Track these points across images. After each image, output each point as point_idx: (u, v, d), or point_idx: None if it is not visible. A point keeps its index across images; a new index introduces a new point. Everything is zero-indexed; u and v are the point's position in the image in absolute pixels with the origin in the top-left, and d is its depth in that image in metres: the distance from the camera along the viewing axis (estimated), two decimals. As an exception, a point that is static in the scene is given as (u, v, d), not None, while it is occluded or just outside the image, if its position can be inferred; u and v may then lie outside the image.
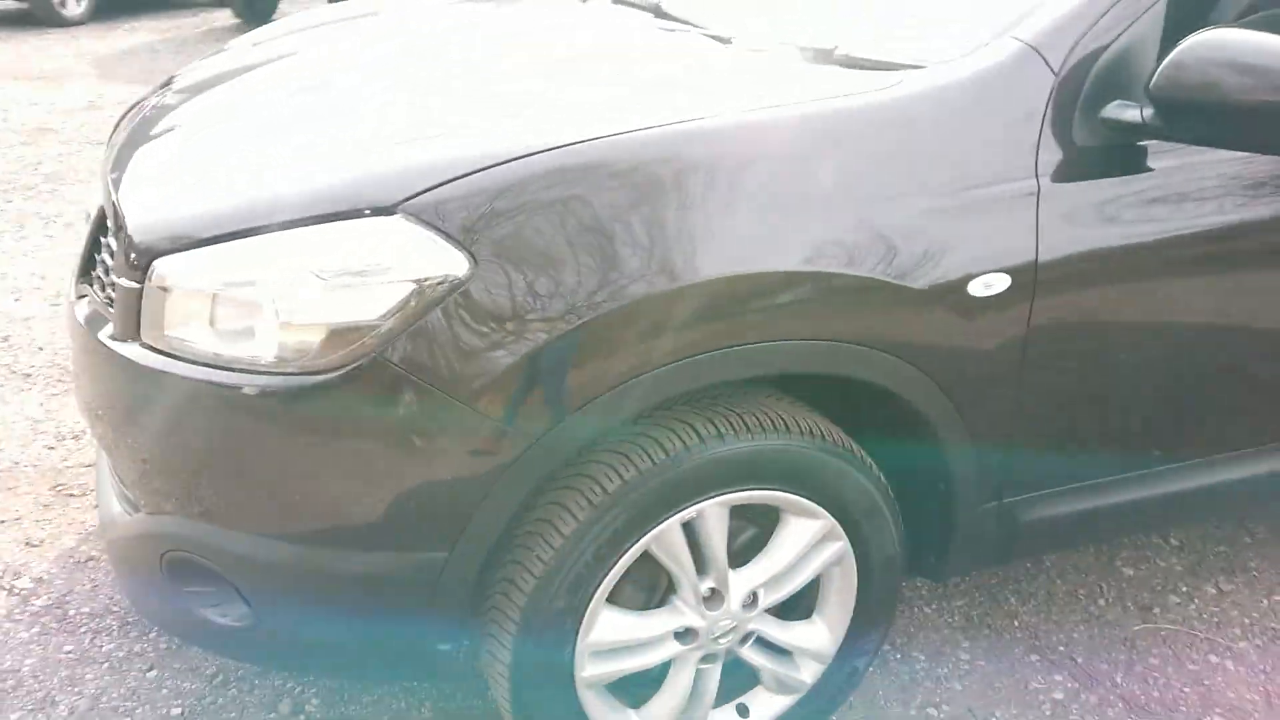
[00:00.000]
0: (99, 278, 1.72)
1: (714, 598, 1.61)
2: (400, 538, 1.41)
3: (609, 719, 1.65)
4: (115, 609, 2.10)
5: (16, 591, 2.13)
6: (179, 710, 1.86)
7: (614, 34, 2.11)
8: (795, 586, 1.67)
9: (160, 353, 1.46)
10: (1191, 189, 1.66)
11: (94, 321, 1.63)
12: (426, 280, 1.31)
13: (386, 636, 1.51)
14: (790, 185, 1.44)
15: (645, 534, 1.49)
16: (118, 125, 2.11)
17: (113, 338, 1.53)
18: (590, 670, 1.57)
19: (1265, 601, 2.35)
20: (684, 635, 1.63)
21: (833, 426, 1.59)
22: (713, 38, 1.94)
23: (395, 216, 1.34)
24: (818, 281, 1.44)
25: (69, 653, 1.98)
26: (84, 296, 1.74)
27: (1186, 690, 2.08)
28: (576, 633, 1.52)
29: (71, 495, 2.46)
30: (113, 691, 1.89)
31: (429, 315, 1.31)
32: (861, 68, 1.65)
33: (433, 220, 1.33)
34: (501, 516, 1.41)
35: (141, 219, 1.54)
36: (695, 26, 2.05)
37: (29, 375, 2.99)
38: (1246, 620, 2.27)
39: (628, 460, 1.44)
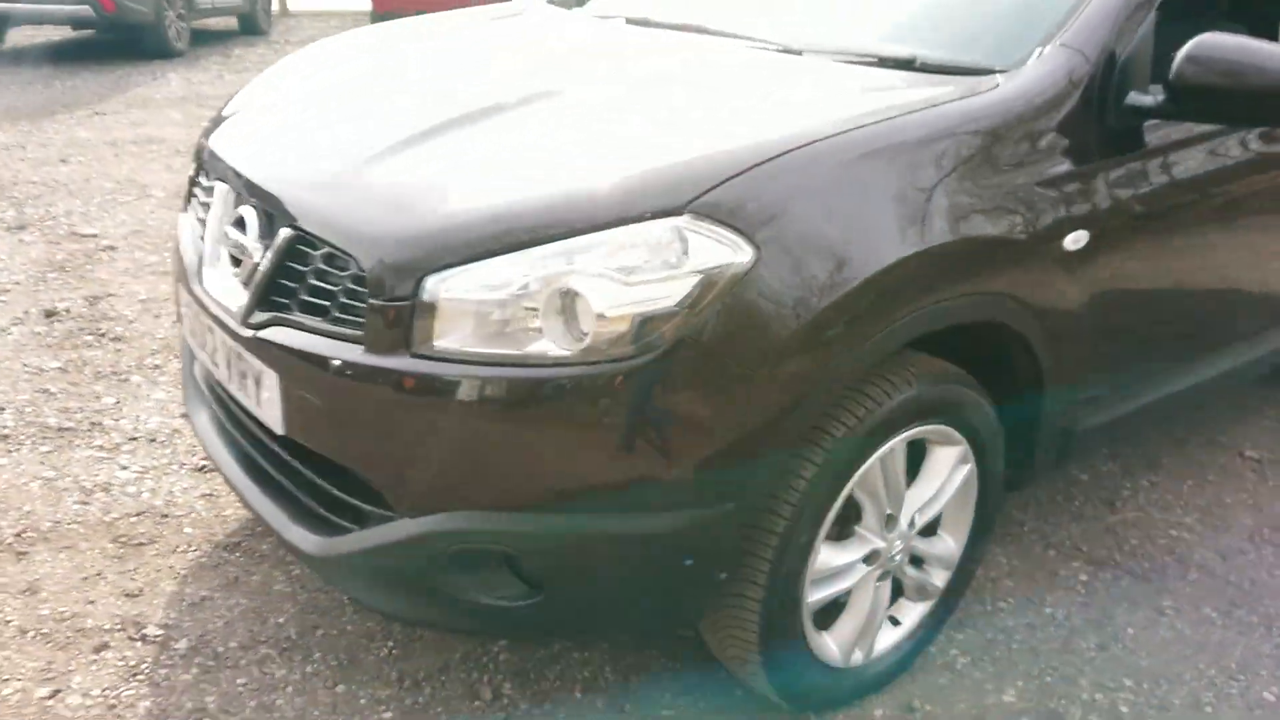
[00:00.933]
0: (289, 304, 1.77)
1: (889, 522, 1.93)
2: (699, 495, 1.62)
3: (814, 641, 1.93)
4: (263, 639, 2.12)
5: (151, 640, 2.10)
6: (390, 715, 1.94)
7: (715, 55, 2.29)
8: (941, 505, 2.02)
9: (437, 360, 1.59)
10: (1181, 156, 2.16)
11: (315, 345, 1.70)
12: (717, 269, 1.54)
13: (669, 589, 1.72)
14: (960, 165, 1.78)
15: (857, 471, 1.79)
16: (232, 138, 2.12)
17: (368, 354, 1.63)
18: (811, 597, 1.85)
19: (1184, 486, 2.95)
20: (869, 558, 1.94)
21: (964, 371, 1.95)
22: (783, 50, 2.24)
23: (685, 216, 1.56)
24: (987, 244, 1.80)
25: (245, 684, 2.00)
26: (270, 326, 1.79)
27: (1167, 559, 2.62)
28: (807, 564, 1.79)
29: (139, 544, 2.40)
30: (314, 711, 1.95)
31: (723, 299, 1.54)
32: (945, 72, 2.02)
33: (719, 215, 1.56)
34: (776, 465, 1.67)
35: (400, 239, 1.64)
36: (748, 39, 2.34)
37: (6, 436, 2.82)
38: (1179, 503, 2.86)
39: (850, 411, 1.73)
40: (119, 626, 2.13)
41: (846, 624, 1.99)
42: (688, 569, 1.69)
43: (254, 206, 1.91)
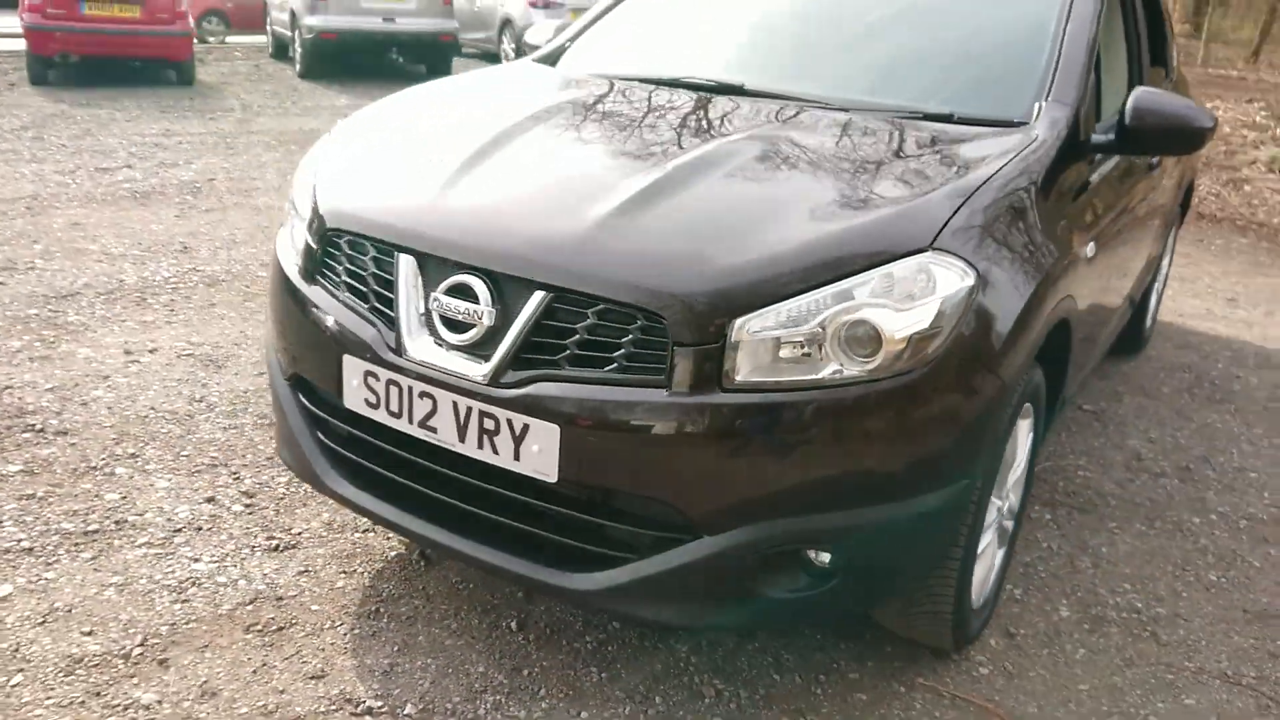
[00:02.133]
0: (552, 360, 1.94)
1: (1003, 483, 2.43)
2: (951, 475, 2.02)
3: (973, 589, 2.38)
4: (480, 688, 2.21)
5: (379, 712, 2.12)
6: (647, 725, 2.14)
7: (797, 114, 2.63)
8: (1024, 466, 2.55)
9: (745, 391, 1.87)
10: (1109, 177, 2.87)
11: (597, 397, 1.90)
12: (955, 293, 1.95)
13: (928, 557, 2.09)
14: (1042, 191, 2.33)
15: (1008, 440, 2.27)
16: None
17: (675, 395, 1.86)
18: (981, 547, 2.30)
19: (1060, 437, 3.73)
20: (1000, 510, 2.43)
21: None
22: (837, 108, 2.67)
23: (930, 252, 1.95)
24: (1072, 252, 2.37)
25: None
26: (533, 383, 1.94)
27: (1089, 493, 3.35)
28: (983, 523, 2.24)
29: (279, 629, 2.34)
30: (580, 737, 2.09)
31: (961, 317, 1.95)
32: (979, 124, 2.56)
33: (951, 249, 1.97)
34: (1001, 441, 2.10)
35: (706, 292, 1.88)
36: (796, 99, 2.73)
37: (31, 550, 2.55)
38: (1068, 450, 3.63)
39: (1017, 391, 2.20)
40: (335, 707, 2.12)
41: (979, 571, 2.45)
42: (942, 537, 2.08)
43: (477, 274, 2.02)
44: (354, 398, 2.20)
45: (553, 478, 1.97)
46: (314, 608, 2.44)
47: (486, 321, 1.99)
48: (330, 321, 2.23)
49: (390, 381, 2.12)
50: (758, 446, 1.90)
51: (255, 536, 2.70)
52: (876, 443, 1.94)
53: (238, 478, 2.98)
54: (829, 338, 1.89)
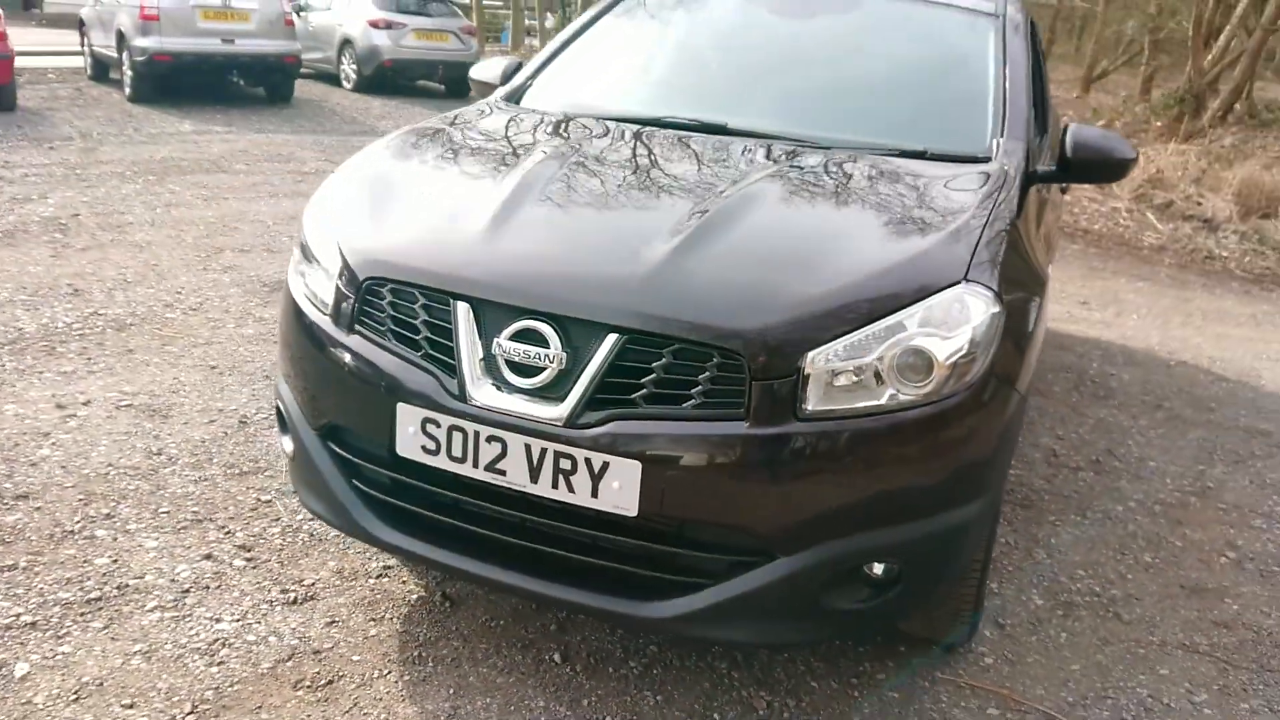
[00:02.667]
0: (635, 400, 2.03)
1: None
2: (986, 486, 2.22)
3: (975, 586, 2.60)
4: (560, 712, 2.26)
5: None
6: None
7: (790, 153, 2.83)
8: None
9: (817, 420, 2.02)
10: (1048, 198, 3.19)
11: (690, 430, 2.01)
12: (985, 319, 2.16)
13: (964, 563, 2.29)
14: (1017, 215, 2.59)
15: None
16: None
17: (754, 427, 2.00)
18: (986, 552, 2.53)
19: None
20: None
21: None
22: (827, 147, 2.86)
23: (963, 284, 2.15)
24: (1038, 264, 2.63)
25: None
26: (608, 423, 2.03)
27: (1022, 489, 3.67)
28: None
29: (328, 683, 2.32)
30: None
31: (991, 341, 2.16)
32: (951, 160, 2.80)
33: (980, 280, 2.18)
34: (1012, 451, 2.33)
35: (781, 330, 2.01)
36: (780, 138, 2.90)
37: (35, 624, 2.41)
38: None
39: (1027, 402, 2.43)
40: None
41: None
42: (978, 541, 2.28)
43: (544, 319, 2.09)
44: (409, 445, 2.21)
45: (633, 512, 2.05)
46: (355, 658, 2.42)
47: (558, 365, 2.06)
48: (378, 370, 2.24)
49: (453, 427, 2.15)
50: (830, 470, 2.05)
51: (268, 591, 2.64)
52: (932, 460, 2.12)
53: (228, 532, 2.90)
54: (886, 366, 2.06)
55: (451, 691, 2.34)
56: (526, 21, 19.14)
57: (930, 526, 2.15)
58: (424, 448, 2.19)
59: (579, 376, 2.06)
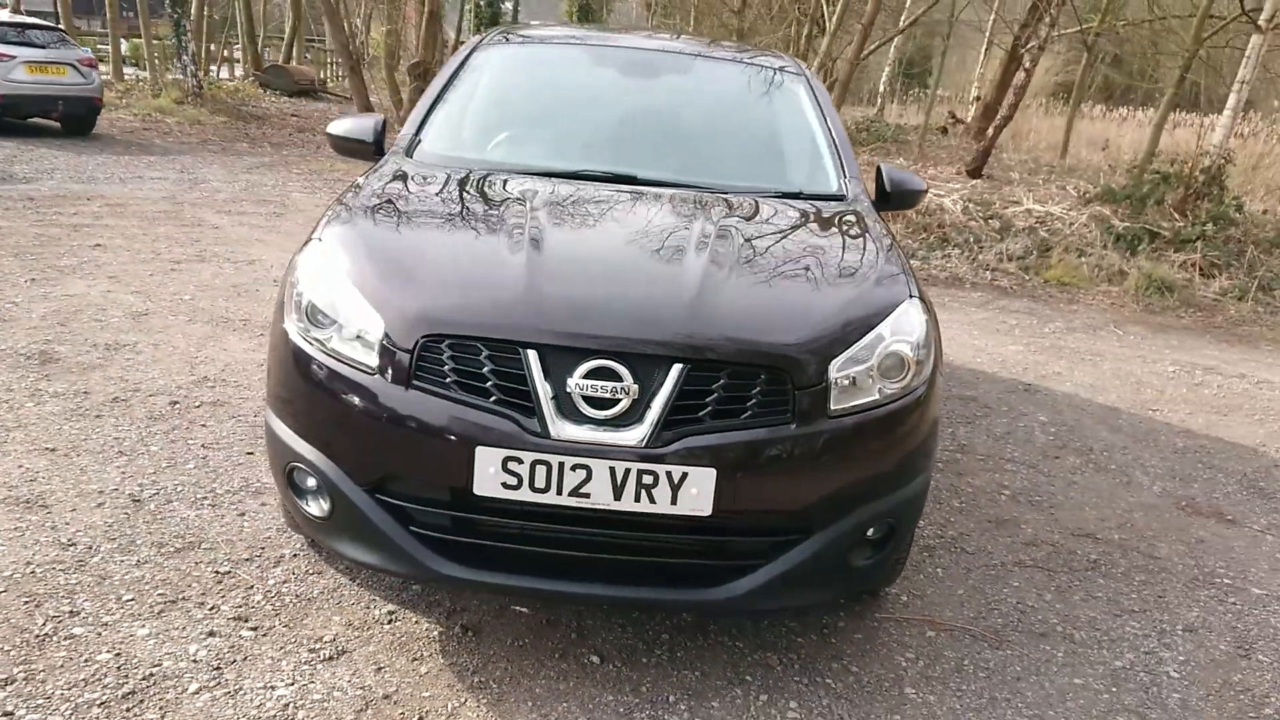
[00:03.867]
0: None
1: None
2: (935, 450, 2.87)
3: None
4: (631, 699, 2.57)
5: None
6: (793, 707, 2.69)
7: (710, 198, 3.30)
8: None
9: (840, 417, 2.56)
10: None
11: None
12: (926, 324, 2.81)
13: (918, 515, 2.91)
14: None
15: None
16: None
17: (801, 428, 2.50)
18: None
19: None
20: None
21: None
22: (730, 193, 3.38)
23: (910, 300, 2.78)
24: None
25: (674, 733, 2.50)
26: (680, 440, 2.43)
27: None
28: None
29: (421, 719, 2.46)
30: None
31: (932, 339, 2.82)
32: (818, 199, 3.46)
33: (916, 294, 2.83)
34: None
35: (812, 350, 2.51)
36: (683, 185, 3.39)
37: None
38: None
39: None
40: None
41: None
42: (924, 500, 2.91)
43: (613, 358, 2.43)
44: (489, 484, 2.43)
45: (707, 512, 2.46)
46: (425, 694, 2.58)
47: (631, 396, 2.42)
48: (450, 419, 2.44)
49: (537, 462, 2.41)
50: (850, 455, 2.59)
51: (298, 653, 2.69)
52: (910, 437, 2.72)
53: (213, 608, 2.86)
54: (877, 368, 2.63)
55: (530, 705, 2.58)
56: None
57: (910, 491, 2.75)
58: (504, 484, 2.43)
59: (650, 403, 2.43)
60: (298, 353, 2.68)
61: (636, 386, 2.42)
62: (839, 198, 3.52)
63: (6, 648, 2.60)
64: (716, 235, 2.92)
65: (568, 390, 2.42)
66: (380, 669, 2.67)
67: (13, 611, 2.75)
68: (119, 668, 2.56)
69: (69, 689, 2.47)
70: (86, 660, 2.58)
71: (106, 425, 4.01)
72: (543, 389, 2.42)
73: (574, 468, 2.42)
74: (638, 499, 2.44)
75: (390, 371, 2.51)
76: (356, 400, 2.55)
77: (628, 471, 2.42)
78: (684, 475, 2.43)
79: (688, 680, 2.75)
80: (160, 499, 3.46)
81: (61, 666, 2.55)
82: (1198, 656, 3.15)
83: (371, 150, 3.74)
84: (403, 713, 2.51)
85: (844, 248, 3.06)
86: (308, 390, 2.65)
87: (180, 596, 2.90)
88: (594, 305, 2.57)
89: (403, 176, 3.34)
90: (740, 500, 2.49)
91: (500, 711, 2.55)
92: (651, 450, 2.41)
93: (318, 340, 2.64)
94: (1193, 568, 3.77)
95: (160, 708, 2.44)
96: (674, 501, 2.44)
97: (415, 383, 2.49)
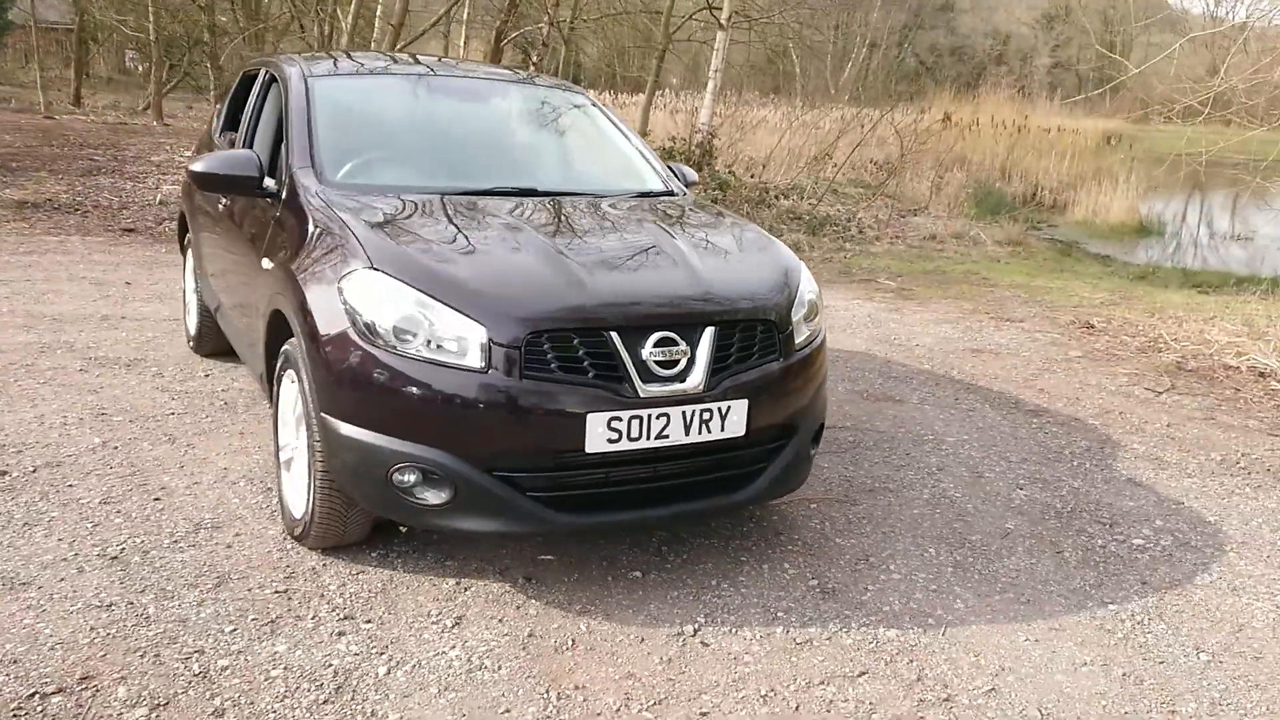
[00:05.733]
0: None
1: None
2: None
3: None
4: (694, 605, 3.39)
5: (724, 628, 3.16)
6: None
7: (597, 201, 4.01)
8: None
9: (802, 349, 3.62)
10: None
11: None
12: (812, 280, 3.92)
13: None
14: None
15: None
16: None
17: (786, 361, 3.50)
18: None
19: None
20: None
21: None
22: (604, 195, 4.17)
23: (799, 263, 3.87)
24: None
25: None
26: (724, 382, 3.31)
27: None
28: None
29: (589, 643, 3.06)
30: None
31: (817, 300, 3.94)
32: (668, 195, 4.42)
33: (800, 261, 3.92)
34: None
35: (789, 304, 3.49)
36: (564, 193, 4.12)
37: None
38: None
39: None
40: (685, 637, 3.10)
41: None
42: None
43: (671, 329, 3.22)
44: (598, 442, 3.12)
45: (743, 432, 3.36)
46: (554, 626, 3.17)
47: (685, 356, 3.23)
48: (562, 397, 3.06)
49: (633, 417, 3.15)
50: (808, 378, 3.65)
51: (428, 627, 3.12)
52: (823, 365, 3.82)
53: (314, 617, 3.11)
54: (806, 314, 3.69)
55: (631, 612, 3.29)
56: None
57: (823, 402, 3.85)
58: (609, 440, 3.14)
59: (697, 359, 3.26)
60: (386, 367, 3.07)
61: (688, 348, 3.23)
62: (671, 192, 4.48)
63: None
64: (659, 226, 3.77)
65: (642, 359, 3.17)
66: (501, 619, 3.19)
67: (110, 697, 2.81)
68: (308, 679, 2.82)
69: (287, 708, 2.70)
70: (284, 680, 2.79)
71: (-30, 505, 3.73)
72: (628, 361, 3.14)
73: (658, 416, 3.18)
74: (700, 431, 3.27)
75: (501, 367, 3.05)
76: (471, 396, 3.05)
77: (693, 412, 3.24)
78: (729, 408, 3.31)
79: (707, 569, 3.62)
80: (167, 547, 3.45)
81: (272, 693, 2.74)
82: (944, 480, 4.65)
83: (255, 185, 3.93)
84: (555, 642, 3.09)
85: (735, 226, 4.07)
86: (407, 399, 3.06)
87: (273, 619, 3.11)
88: (646, 292, 3.33)
89: (364, 205, 3.66)
90: (759, 420, 3.43)
91: (617, 621, 3.23)
92: (706, 393, 3.26)
93: (406, 354, 3.06)
94: (908, 432, 5.34)
95: (377, 691, 2.78)
96: (723, 429, 3.32)
97: (527, 372, 3.06)
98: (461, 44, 25.75)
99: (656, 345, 3.20)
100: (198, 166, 3.99)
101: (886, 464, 4.83)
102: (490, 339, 3.07)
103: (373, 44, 15.10)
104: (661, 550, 3.75)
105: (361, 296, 3.17)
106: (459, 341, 3.08)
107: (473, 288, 3.17)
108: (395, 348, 3.09)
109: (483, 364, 3.06)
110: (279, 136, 4.33)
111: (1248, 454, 5.34)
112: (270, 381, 3.86)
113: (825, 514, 4.19)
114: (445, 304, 3.11)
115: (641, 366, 3.18)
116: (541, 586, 3.42)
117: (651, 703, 2.84)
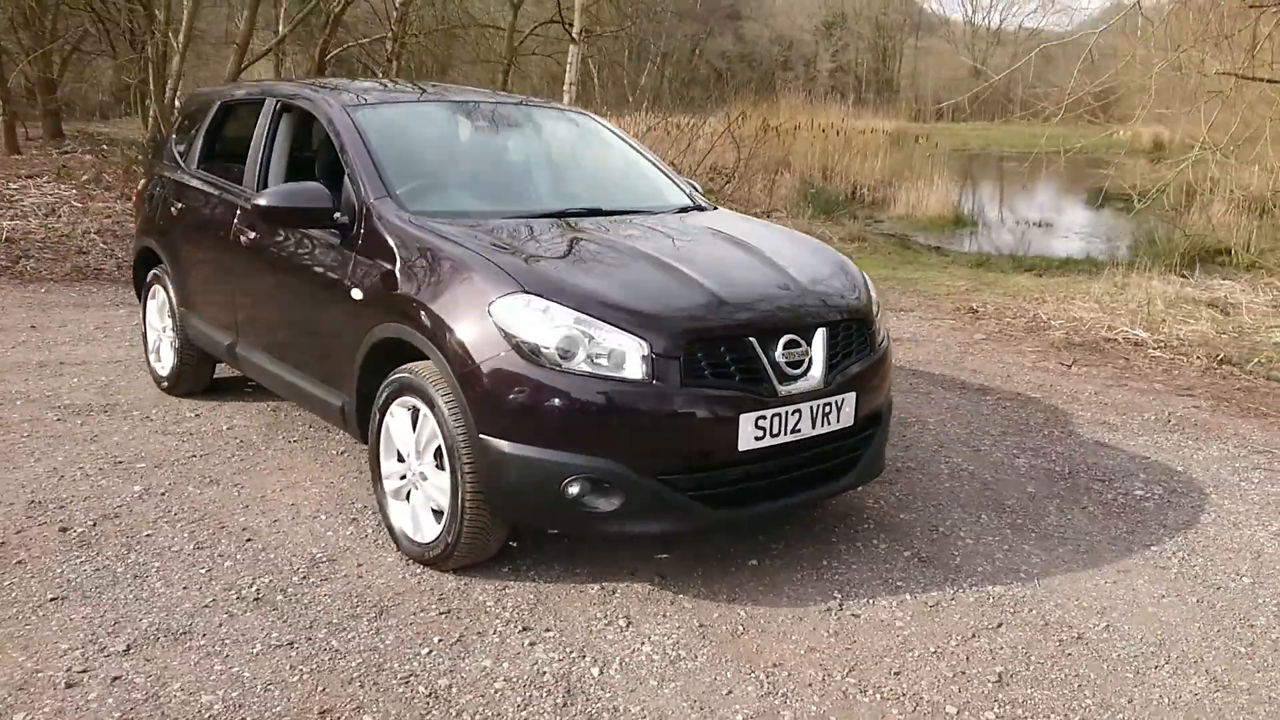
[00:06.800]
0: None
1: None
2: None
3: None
4: (836, 582, 3.71)
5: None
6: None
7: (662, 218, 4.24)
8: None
9: (879, 346, 4.00)
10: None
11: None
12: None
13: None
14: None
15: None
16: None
17: (876, 353, 3.87)
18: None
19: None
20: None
21: None
22: (665, 212, 4.42)
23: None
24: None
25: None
26: (838, 375, 3.65)
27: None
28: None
29: (777, 629, 3.32)
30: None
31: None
32: (697, 209, 4.71)
33: None
34: None
35: (870, 303, 3.85)
36: (638, 211, 4.35)
37: None
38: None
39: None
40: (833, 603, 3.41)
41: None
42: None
43: (796, 333, 3.53)
44: (748, 440, 3.40)
45: (852, 422, 3.71)
46: (716, 615, 3.40)
47: (807, 356, 3.56)
48: (717, 401, 3.33)
49: (774, 415, 3.45)
50: (887, 371, 4.04)
51: (605, 630, 3.30)
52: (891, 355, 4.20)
53: (497, 632, 3.22)
54: (878, 313, 4.07)
55: (774, 595, 3.56)
56: None
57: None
58: (755, 437, 3.43)
59: (815, 357, 3.58)
60: (553, 385, 3.23)
61: (809, 349, 3.55)
62: (701, 206, 4.77)
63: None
64: (729, 238, 4.09)
65: (775, 360, 3.46)
66: (665, 615, 3.40)
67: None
68: (534, 687, 2.95)
69: (533, 715, 2.83)
70: (512, 691, 2.91)
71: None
72: (767, 364, 3.43)
73: (793, 412, 3.49)
74: (824, 424, 3.60)
75: (662, 378, 3.27)
76: (637, 406, 3.26)
77: (818, 406, 3.57)
78: (843, 400, 3.66)
79: (811, 552, 3.94)
80: (299, 584, 3.44)
81: (511, 703, 2.85)
82: (953, 456, 5.16)
83: (328, 216, 3.96)
84: (726, 629, 3.34)
85: (789, 233, 4.43)
86: (575, 413, 3.24)
87: (458, 638, 3.21)
88: (771, 300, 3.63)
89: (470, 232, 3.78)
90: (862, 409, 3.79)
91: (766, 604, 3.51)
92: (826, 389, 3.59)
93: (571, 371, 3.24)
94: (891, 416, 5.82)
95: (604, 689, 2.95)
96: (839, 419, 3.66)
97: (687, 379, 3.30)
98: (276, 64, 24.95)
99: (786, 347, 3.50)
100: (264, 201, 3.96)
101: (892, 446, 5.28)
102: (652, 351, 3.28)
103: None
104: (761, 540, 4.04)
105: (517, 319, 3.31)
106: (620, 355, 3.27)
107: (626, 304, 3.37)
108: (560, 366, 3.25)
109: (645, 375, 3.27)
110: (309, 167, 4.42)
111: (1172, 413, 6.14)
112: (363, 413, 3.90)
113: (873, 494, 4.59)
114: (604, 321, 3.30)
115: (776, 368, 3.47)
116: (677, 583, 3.65)
117: (847, 670, 3.14)
